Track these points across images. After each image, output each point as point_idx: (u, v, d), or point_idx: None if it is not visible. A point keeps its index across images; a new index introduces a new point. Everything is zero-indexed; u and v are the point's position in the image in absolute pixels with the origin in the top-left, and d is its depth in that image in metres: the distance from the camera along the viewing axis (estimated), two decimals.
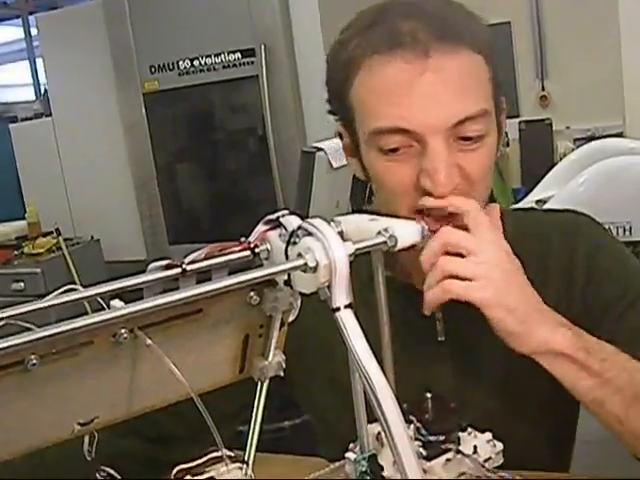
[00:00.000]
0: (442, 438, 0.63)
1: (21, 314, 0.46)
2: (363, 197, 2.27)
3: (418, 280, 0.95)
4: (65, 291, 0.47)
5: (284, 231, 0.53)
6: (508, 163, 4.10)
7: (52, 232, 3.55)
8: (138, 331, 0.50)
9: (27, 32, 6.28)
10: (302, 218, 0.53)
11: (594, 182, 2.19)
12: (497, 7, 4.19)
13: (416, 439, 0.61)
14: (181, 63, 3.30)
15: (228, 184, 3.49)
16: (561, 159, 2.88)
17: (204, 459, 0.58)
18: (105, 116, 3.56)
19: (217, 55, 3.22)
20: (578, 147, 2.86)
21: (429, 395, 0.65)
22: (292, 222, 0.53)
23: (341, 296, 0.50)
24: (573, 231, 0.97)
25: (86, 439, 0.54)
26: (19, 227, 3.78)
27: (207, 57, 3.24)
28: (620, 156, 2.30)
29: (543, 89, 4.20)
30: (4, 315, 0.46)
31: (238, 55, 3.18)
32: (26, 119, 4.12)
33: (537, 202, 2.38)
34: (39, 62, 5.49)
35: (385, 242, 0.54)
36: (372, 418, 0.57)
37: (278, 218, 0.54)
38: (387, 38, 0.79)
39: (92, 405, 0.52)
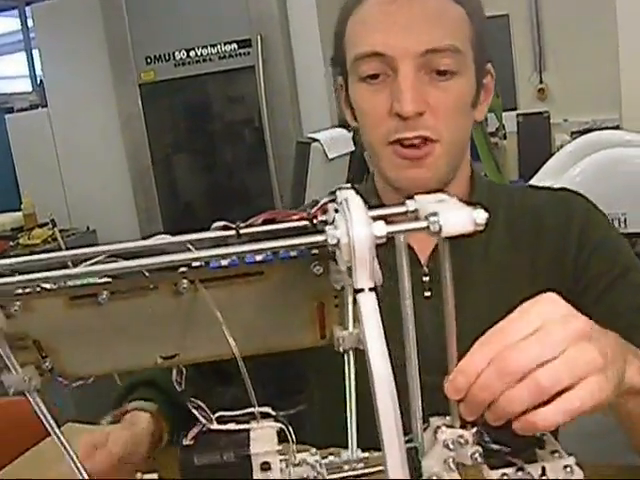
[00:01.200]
0: (507, 450, 0.57)
1: (117, 250, 0.53)
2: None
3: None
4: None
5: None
6: (506, 155, 4.10)
7: (47, 223, 3.54)
8: (198, 283, 0.55)
9: (24, 23, 6.26)
10: (358, 192, 0.51)
11: (590, 174, 2.19)
12: (496, 0, 4.19)
13: (478, 443, 0.56)
14: (177, 54, 3.29)
15: (224, 175, 3.48)
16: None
17: (242, 412, 0.59)
18: (101, 107, 3.54)
19: (213, 46, 3.21)
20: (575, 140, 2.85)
21: None
22: (342, 195, 0.51)
23: (362, 278, 0.47)
24: (567, 207, 1.00)
25: (174, 372, 0.59)
26: (15, 218, 3.76)
27: (203, 48, 3.23)
28: (616, 148, 2.29)
29: (541, 82, 4.20)
30: (102, 249, 0.53)
31: (234, 46, 3.17)
32: (22, 110, 4.11)
33: None
34: (36, 53, 5.47)
35: (427, 227, 0.49)
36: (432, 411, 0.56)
37: (335, 191, 0.53)
38: None
39: (168, 344, 0.58)
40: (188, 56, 3.28)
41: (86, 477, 0.60)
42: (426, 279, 0.97)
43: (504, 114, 3.77)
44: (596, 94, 3.78)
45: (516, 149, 4.18)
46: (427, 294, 0.96)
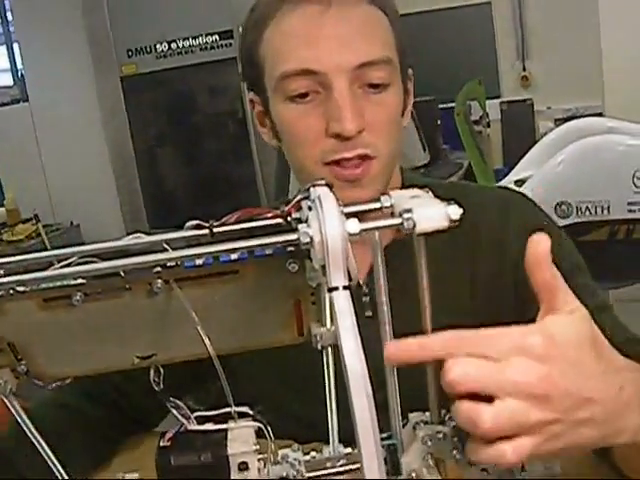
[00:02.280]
0: None
1: (90, 251, 0.52)
2: None
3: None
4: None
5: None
6: (490, 143, 4.11)
7: (31, 219, 3.52)
8: (172, 283, 0.54)
9: (3, 16, 6.18)
10: (331, 189, 0.50)
11: (572, 161, 2.19)
12: None
13: (457, 438, 0.54)
14: (159, 46, 3.27)
15: (208, 167, 3.47)
16: None
17: (219, 412, 0.59)
18: (83, 100, 3.52)
19: (195, 38, 3.19)
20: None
21: None
22: (316, 192, 0.50)
23: (336, 276, 0.46)
24: (506, 206, 0.97)
25: (152, 372, 0.58)
26: None
27: (185, 40, 3.22)
28: (599, 135, 2.30)
29: (524, 70, 4.20)
30: (74, 251, 0.52)
31: (216, 37, 3.16)
32: (3, 104, 4.07)
33: (516, 182, 2.37)
34: (16, 47, 5.41)
35: (401, 224, 0.48)
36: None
37: (309, 188, 0.51)
38: None
39: (145, 344, 0.57)
40: (169, 48, 3.26)
41: (65, 477, 0.60)
42: (366, 299, 0.94)
43: (487, 102, 3.76)
44: (579, 81, 3.79)
45: (500, 137, 4.19)
46: (369, 314, 0.91)
